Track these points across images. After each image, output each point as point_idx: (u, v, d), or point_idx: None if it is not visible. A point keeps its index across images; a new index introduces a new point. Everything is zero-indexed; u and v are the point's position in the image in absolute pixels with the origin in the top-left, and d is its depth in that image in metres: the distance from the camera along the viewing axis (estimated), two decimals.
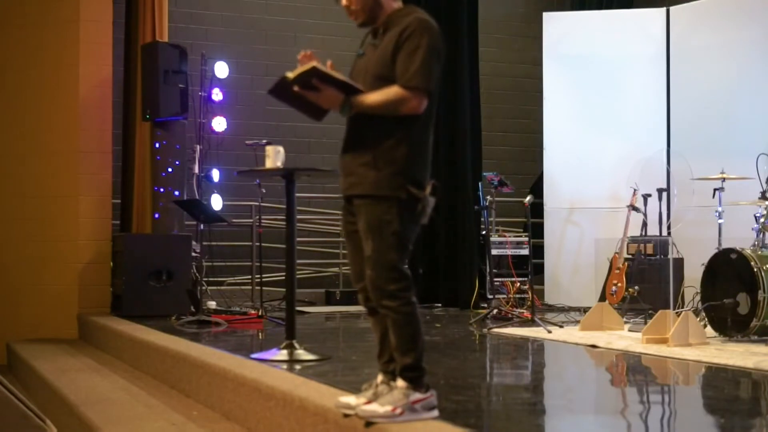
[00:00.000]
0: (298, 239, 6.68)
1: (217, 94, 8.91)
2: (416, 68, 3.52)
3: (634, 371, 5.59)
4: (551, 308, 9.12)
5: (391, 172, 3.55)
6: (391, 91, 3.56)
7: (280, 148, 5.58)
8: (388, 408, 3.50)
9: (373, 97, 3.59)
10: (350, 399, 3.68)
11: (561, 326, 7.36)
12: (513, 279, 8.77)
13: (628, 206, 8.21)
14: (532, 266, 8.65)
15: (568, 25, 10.02)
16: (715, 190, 7.15)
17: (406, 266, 3.58)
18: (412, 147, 3.57)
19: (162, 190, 8.76)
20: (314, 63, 3.70)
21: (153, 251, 8.44)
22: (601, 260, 8.95)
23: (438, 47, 3.58)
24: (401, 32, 3.59)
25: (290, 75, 3.69)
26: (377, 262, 3.56)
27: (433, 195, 3.59)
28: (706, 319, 6.59)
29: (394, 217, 3.54)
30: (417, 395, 3.53)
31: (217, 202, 8.86)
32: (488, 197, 9.16)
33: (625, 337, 6.60)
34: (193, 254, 8.48)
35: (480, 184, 9.34)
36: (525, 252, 8.86)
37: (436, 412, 3.60)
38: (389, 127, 3.58)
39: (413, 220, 3.58)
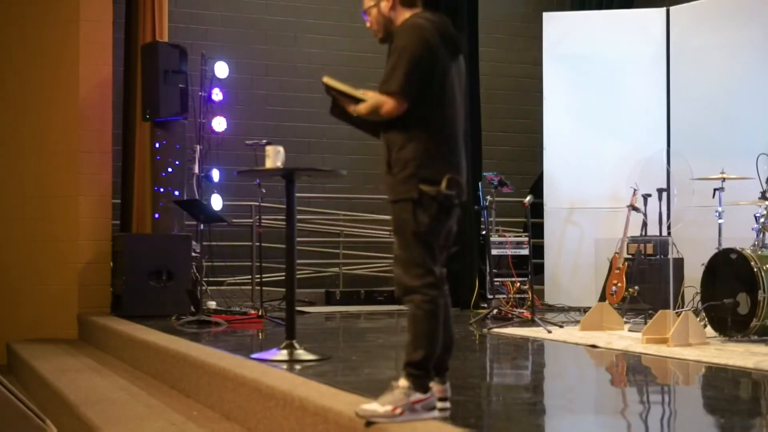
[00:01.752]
0: (298, 239, 6.68)
1: (217, 94, 8.91)
2: (388, 72, 3.68)
3: (634, 371, 5.59)
4: (551, 308, 9.12)
5: (403, 176, 3.66)
6: (373, 98, 3.74)
7: (280, 148, 5.58)
8: (389, 408, 3.51)
9: (364, 105, 3.79)
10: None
11: (561, 326, 7.36)
12: (513, 279, 8.76)
13: (628, 206, 8.21)
14: (532, 266, 8.65)
15: (568, 25, 10.02)
16: (715, 190, 7.15)
17: (435, 264, 3.64)
18: (421, 148, 3.65)
19: (162, 190, 8.76)
20: (324, 78, 3.89)
21: (153, 251, 8.44)
22: (601, 260, 8.95)
23: (414, 48, 3.66)
24: (393, 41, 3.79)
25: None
26: (400, 259, 3.66)
27: (451, 189, 3.62)
28: (706, 319, 6.59)
29: (410, 216, 3.63)
30: (418, 395, 3.54)
31: (217, 202, 8.86)
32: (488, 197, 9.16)
33: (625, 337, 6.60)
34: (193, 254, 8.48)
35: (480, 184, 9.35)
36: (525, 252, 8.86)
37: (436, 413, 3.62)
38: (399, 132, 3.71)
39: (433, 217, 3.63)
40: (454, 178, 3.63)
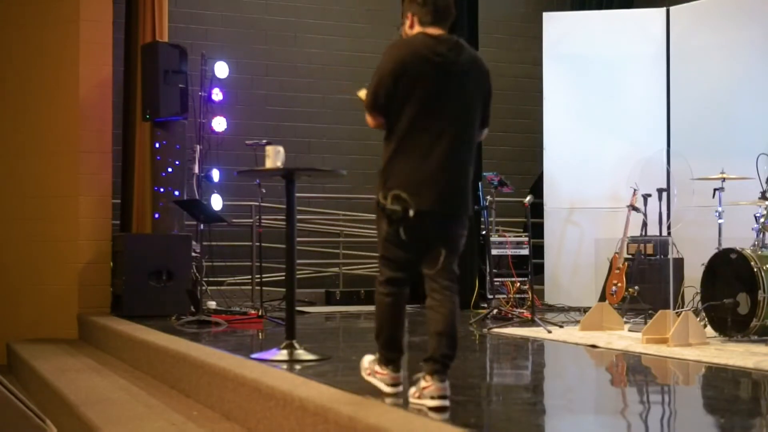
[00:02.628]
0: (298, 239, 6.67)
1: (217, 94, 8.90)
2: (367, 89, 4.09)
3: (634, 371, 5.59)
4: (551, 308, 9.12)
5: (377, 184, 4.06)
6: None
7: (280, 148, 5.57)
8: (366, 366, 4.27)
9: None
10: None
11: (561, 326, 7.36)
12: (513, 279, 8.76)
13: (628, 206, 8.21)
14: (532, 266, 8.65)
15: (568, 25, 10.02)
16: (715, 190, 7.14)
17: (389, 271, 4.08)
18: (388, 161, 4.03)
19: (162, 190, 8.76)
20: (359, 92, 4.25)
21: (153, 251, 8.44)
22: (601, 260, 8.95)
23: (383, 64, 4.00)
24: None
25: None
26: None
27: (396, 205, 3.90)
28: (706, 319, 6.59)
29: (377, 220, 4.09)
30: (377, 368, 4.18)
31: (217, 202, 8.85)
32: (488, 197, 9.16)
33: (625, 337, 6.60)
34: (193, 254, 8.48)
35: (480, 184, 9.34)
36: (525, 252, 8.86)
37: (389, 389, 4.11)
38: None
39: (388, 223, 3.98)
40: (398, 195, 3.89)
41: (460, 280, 4.08)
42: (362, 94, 4.17)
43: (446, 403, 3.82)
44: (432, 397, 3.82)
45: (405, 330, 4.16)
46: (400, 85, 3.94)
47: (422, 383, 3.88)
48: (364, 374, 4.24)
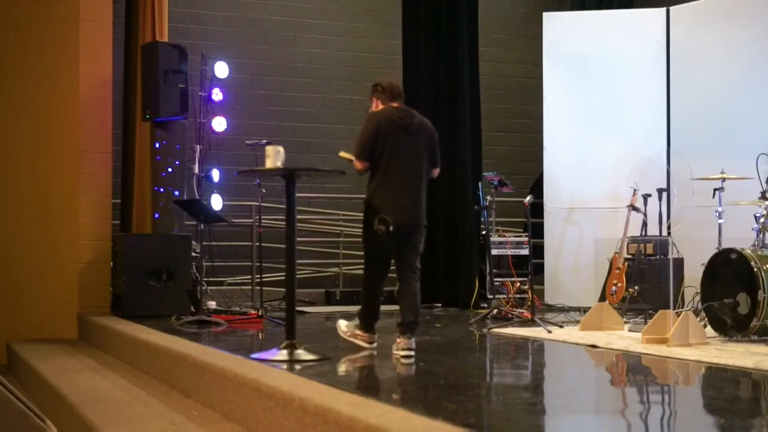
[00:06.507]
0: (298, 239, 6.67)
1: (217, 94, 8.89)
2: (355, 143, 5.77)
3: (634, 371, 5.59)
4: (551, 308, 9.12)
5: (365, 209, 5.74)
6: None
7: (280, 148, 5.58)
8: (344, 329, 6.01)
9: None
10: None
11: (561, 326, 7.36)
12: (513, 279, 8.77)
13: (628, 206, 8.21)
14: (532, 266, 8.65)
15: (568, 25, 10.02)
16: (715, 190, 7.15)
17: (374, 266, 5.79)
18: (373, 193, 5.69)
19: (162, 190, 8.76)
20: (340, 153, 5.94)
21: (153, 251, 8.44)
22: (601, 260, 8.95)
23: (367, 126, 5.70)
24: None
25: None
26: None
27: (380, 225, 5.49)
28: (706, 319, 6.59)
29: (364, 232, 5.74)
30: (358, 332, 5.92)
31: (217, 202, 8.85)
32: (488, 197, 9.16)
33: (625, 337, 6.60)
34: (193, 254, 8.48)
35: (480, 184, 9.35)
36: (525, 252, 8.86)
37: (369, 345, 5.84)
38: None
39: (376, 235, 5.56)
40: (382, 217, 5.51)
41: (421, 272, 5.73)
42: (344, 155, 5.79)
43: (412, 353, 5.42)
44: (402, 349, 5.43)
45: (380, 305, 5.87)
46: (378, 140, 5.62)
47: (398, 341, 5.49)
48: (344, 336, 5.97)
